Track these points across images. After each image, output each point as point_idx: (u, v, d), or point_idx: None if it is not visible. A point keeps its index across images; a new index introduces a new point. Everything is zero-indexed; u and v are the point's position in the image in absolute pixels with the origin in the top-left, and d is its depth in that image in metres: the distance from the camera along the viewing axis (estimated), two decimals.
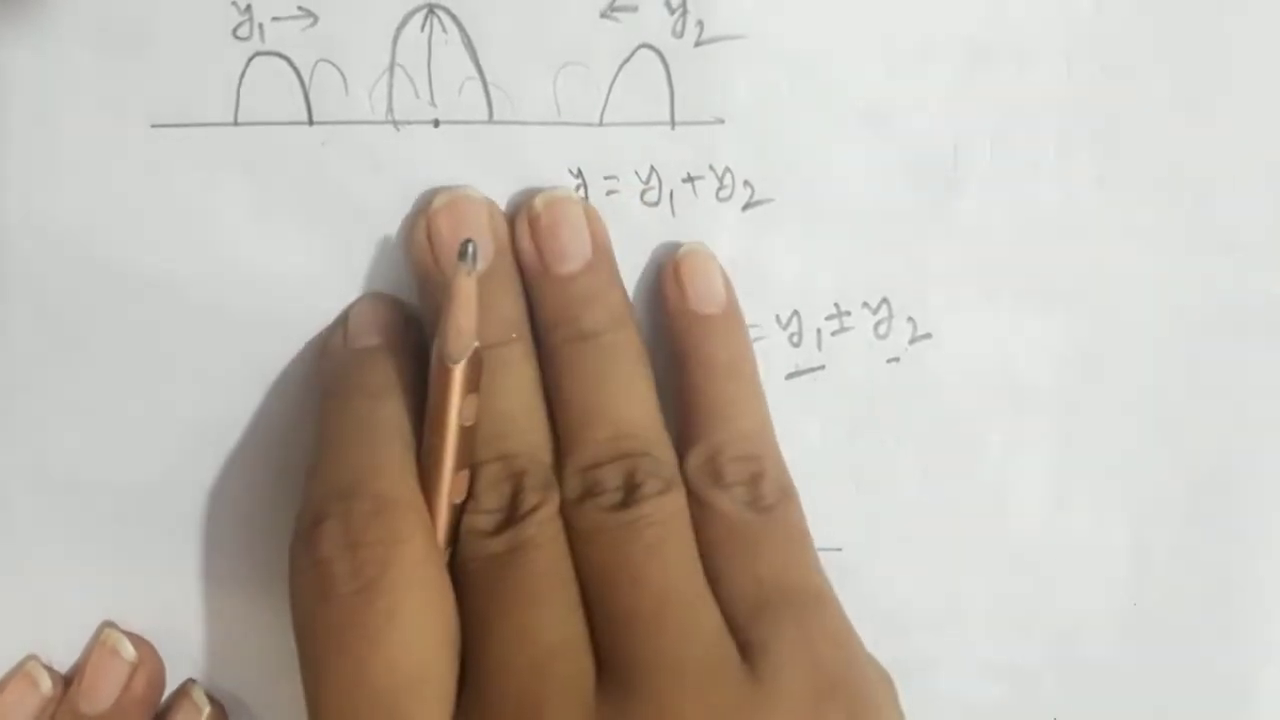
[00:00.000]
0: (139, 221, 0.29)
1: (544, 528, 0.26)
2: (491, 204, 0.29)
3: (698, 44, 0.29)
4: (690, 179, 0.30)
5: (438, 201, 0.29)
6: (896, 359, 0.31)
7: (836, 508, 0.32)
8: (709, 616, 0.26)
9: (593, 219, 0.29)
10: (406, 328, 0.30)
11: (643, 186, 0.30)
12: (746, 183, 0.30)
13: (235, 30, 0.29)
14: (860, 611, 0.27)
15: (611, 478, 0.27)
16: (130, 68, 0.28)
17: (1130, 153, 0.30)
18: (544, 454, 0.28)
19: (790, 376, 0.31)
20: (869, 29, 0.29)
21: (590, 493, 0.27)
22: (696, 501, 0.27)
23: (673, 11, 0.29)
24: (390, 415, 0.28)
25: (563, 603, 0.26)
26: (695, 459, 0.28)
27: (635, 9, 0.29)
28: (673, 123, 0.30)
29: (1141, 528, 0.32)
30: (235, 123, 0.29)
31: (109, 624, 0.32)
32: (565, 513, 0.27)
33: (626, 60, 0.29)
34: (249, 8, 0.28)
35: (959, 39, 0.30)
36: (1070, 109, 0.30)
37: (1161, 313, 0.31)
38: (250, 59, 0.29)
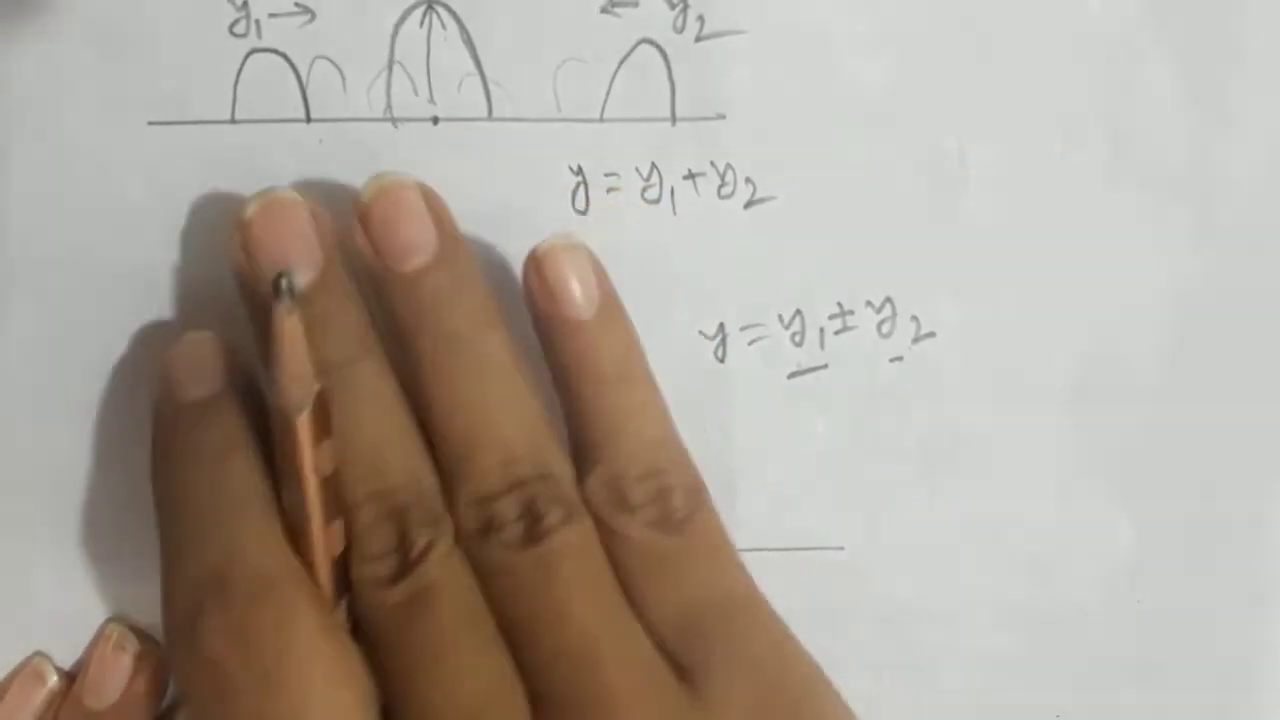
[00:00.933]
0: (136, 218, 0.29)
1: (444, 568, 0.25)
2: (310, 205, 0.26)
3: (698, 39, 0.29)
4: (692, 176, 0.30)
5: (249, 210, 0.26)
6: (900, 358, 0.31)
7: (839, 507, 0.31)
8: (640, 644, 0.25)
9: (434, 203, 0.26)
10: (234, 366, 0.27)
11: (644, 184, 0.30)
12: (748, 179, 0.30)
13: (232, 27, 0.28)
14: (863, 610, 0.27)
15: (509, 510, 0.25)
16: (127, 65, 0.28)
17: (1135, 151, 0.30)
18: (424, 480, 0.26)
19: (793, 375, 0.31)
20: (872, 23, 0.29)
21: (489, 527, 0.25)
22: (605, 528, 0.26)
23: (673, 7, 0.29)
24: (243, 477, 0.25)
25: (483, 645, 0.24)
26: (596, 484, 0.26)
27: (636, 4, 0.29)
28: (674, 119, 0.29)
29: (1145, 526, 0.32)
30: (233, 120, 0.29)
31: (112, 618, 0.32)
32: (463, 544, 0.25)
33: (627, 56, 0.29)
34: (246, 4, 0.28)
35: (964, 34, 0.29)
36: (1075, 104, 0.30)
37: (1167, 311, 0.31)
38: (247, 56, 0.28)
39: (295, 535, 0.24)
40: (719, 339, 0.31)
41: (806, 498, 0.31)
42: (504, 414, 0.26)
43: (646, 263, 0.30)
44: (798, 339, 0.31)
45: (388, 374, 0.26)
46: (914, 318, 0.31)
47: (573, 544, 0.25)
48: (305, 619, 0.24)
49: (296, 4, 0.28)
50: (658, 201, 0.30)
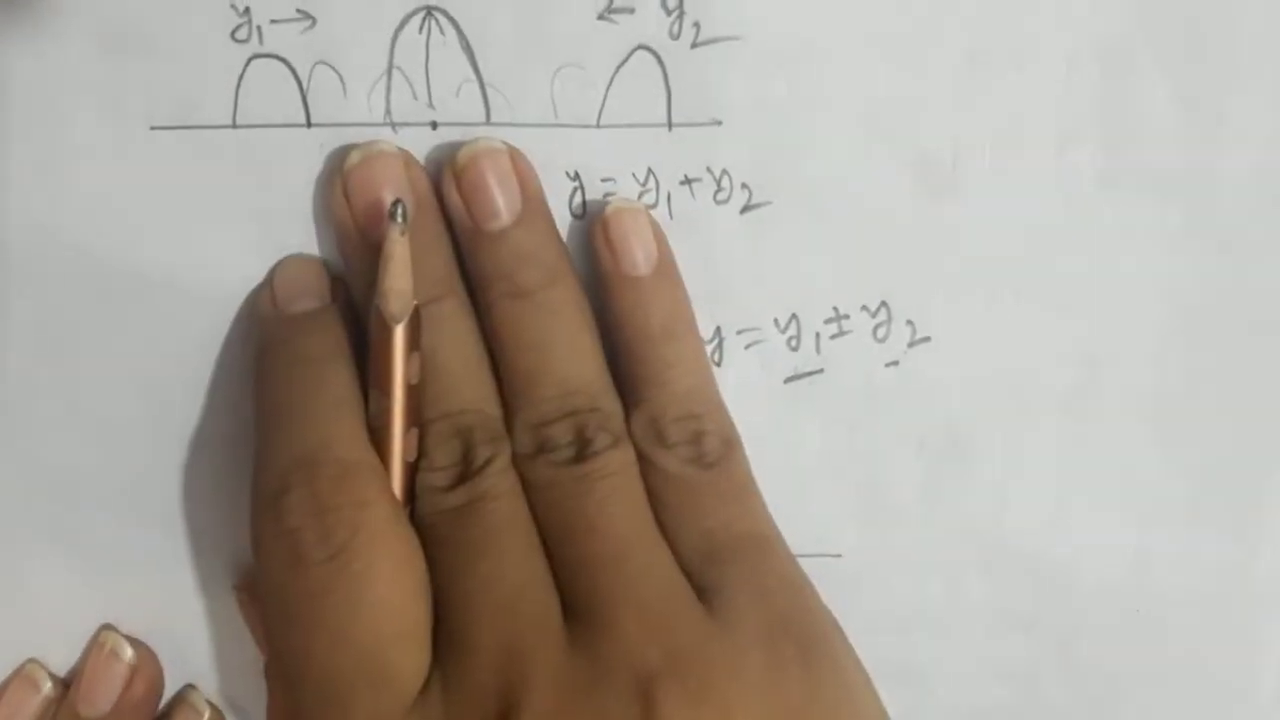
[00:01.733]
0: (138, 223, 0.29)
1: (499, 479, 0.27)
2: (407, 155, 0.29)
3: (694, 45, 0.29)
4: (688, 181, 0.30)
5: (351, 159, 0.29)
6: (895, 362, 0.31)
7: (835, 512, 0.31)
8: (664, 559, 0.27)
9: (523, 170, 0.29)
10: (336, 287, 0.30)
11: (640, 188, 0.30)
12: (744, 185, 0.30)
13: (234, 33, 0.29)
14: (860, 616, 0.27)
15: (562, 434, 0.28)
16: (129, 69, 0.29)
17: (1130, 153, 0.30)
18: (490, 406, 0.28)
19: (789, 380, 0.31)
20: (867, 29, 0.29)
21: (542, 449, 0.27)
22: (643, 460, 0.28)
23: (669, 13, 0.29)
24: (339, 380, 0.28)
25: (524, 547, 0.27)
26: (639, 421, 0.28)
27: (632, 11, 0.29)
28: (670, 124, 0.30)
29: (1142, 529, 0.32)
30: (234, 125, 0.29)
31: (108, 627, 0.32)
32: (518, 465, 0.27)
33: (624, 62, 0.29)
34: (248, 10, 0.29)
35: (958, 39, 0.29)
36: (1069, 110, 0.30)
37: (1161, 314, 0.31)
38: (249, 61, 0.29)
39: (377, 439, 0.27)
40: (715, 343, 0.31)
41: (803, 503, 0.31)
42: (563, 352, 0.28)
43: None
44: (794, 344, 0.31)
45: (467, 313, 0.29)
46: (909, 322, 0.31)
47: (613, 466, 0.27)
48: (379, 507, 0.26)
49: (298, 10, 0.29)
50: (654, 207, 0.30)
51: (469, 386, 0.28)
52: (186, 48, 0.29)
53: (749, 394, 0.31)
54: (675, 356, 0.29)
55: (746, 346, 0.31)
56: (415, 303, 0.27)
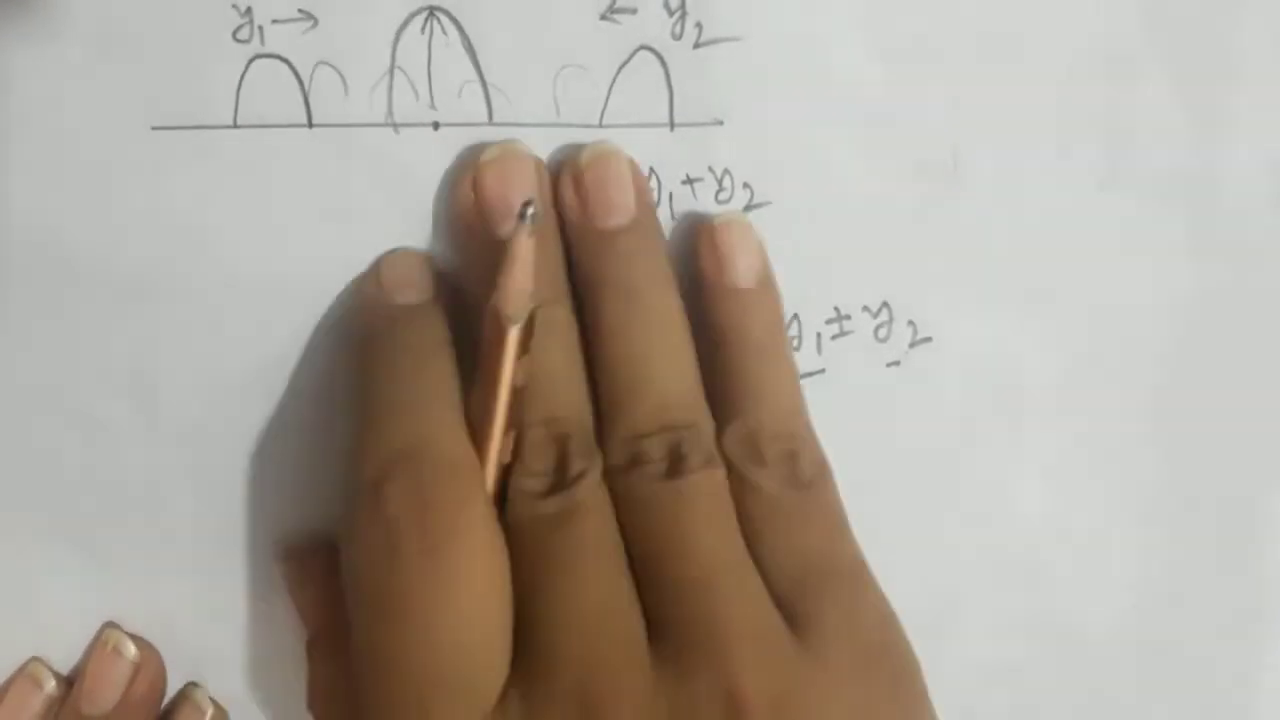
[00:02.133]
0: (138, 223, 0.29)
1: (592, 494, 0.27)
2: (538, 160, 0.29)
3: (697, 46, 0.29)
4: (689, 181, 0.30)
5: (486, 156, 0.29)
6: (897, 362, 0.31)
7: None
8: (755, 586, 0.26)
9: (637, 176, 0.29)
10: (440, 284, 0.30)
11: None
12: (746, 185, 0.30)
13: (235, 33, 0.29)
14: None
15: (657, 448, 0.27)
16: (130, 70, 0.28)
17: (1131, 153, 0.30)
18: (587, 417, 0.28)
19: None
20: (869, 30, 0.29)
21: (636, 462, 0.27)
22: (736, 478, 0.27)
23: (672, 13, 0.29)
24: (443, 375, 0.28)
25: (613, 567, 0.26)
26: (733, 437, 0.28)
27: (634, 11, 0.29)
28: (672, 124, 0.30)
29: (1142, 529, 0.32)
30: (235, 125, 0.29)
31: (110, 624, 0.32)
32: (609, 478, 0.27)
33: (626, 62, 0.29)
34: (249, 10, 0.28)
35: (959, 39, 0.30)
36: (1071, 110, 0.30)
37: (1162, 314, 0.31)
38: (250, 61, 0.29)
39: (475, 438, 0.27)
40: None
41: None
42: (664, 366, 0.28)
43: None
44: (795, 344, 0.31)
45: (573, 320, 0.29)
46: (911, 322, 0.31)
47: (706, 485, 0.27)
48: (478, 507, 0.26)
49: (299, 10, 0.29)
50: (656, 206, 0.30)
51: (569, 395, 0.28)
52: (187, 48, 0.28)
53: None
54: (774, 373, 0.29)
55: None
56: (533, 306, 0.26)
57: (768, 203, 0.30)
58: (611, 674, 0.25)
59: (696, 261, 0.29)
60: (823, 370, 0.31)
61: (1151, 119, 0.30)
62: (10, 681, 0.31)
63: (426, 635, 0.25)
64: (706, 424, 0.28)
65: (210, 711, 0.32)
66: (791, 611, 0.26)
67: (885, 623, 0.27)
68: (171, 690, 0.32)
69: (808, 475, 0.28)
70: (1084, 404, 0.31)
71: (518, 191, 0.28)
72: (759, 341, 0.29)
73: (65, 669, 0.32)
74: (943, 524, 0.32)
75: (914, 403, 0.31)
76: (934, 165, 0.30)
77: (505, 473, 0.27)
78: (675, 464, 0.27)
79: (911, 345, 0.31)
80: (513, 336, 0.26)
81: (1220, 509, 0.32)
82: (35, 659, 0.32)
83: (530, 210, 0.26)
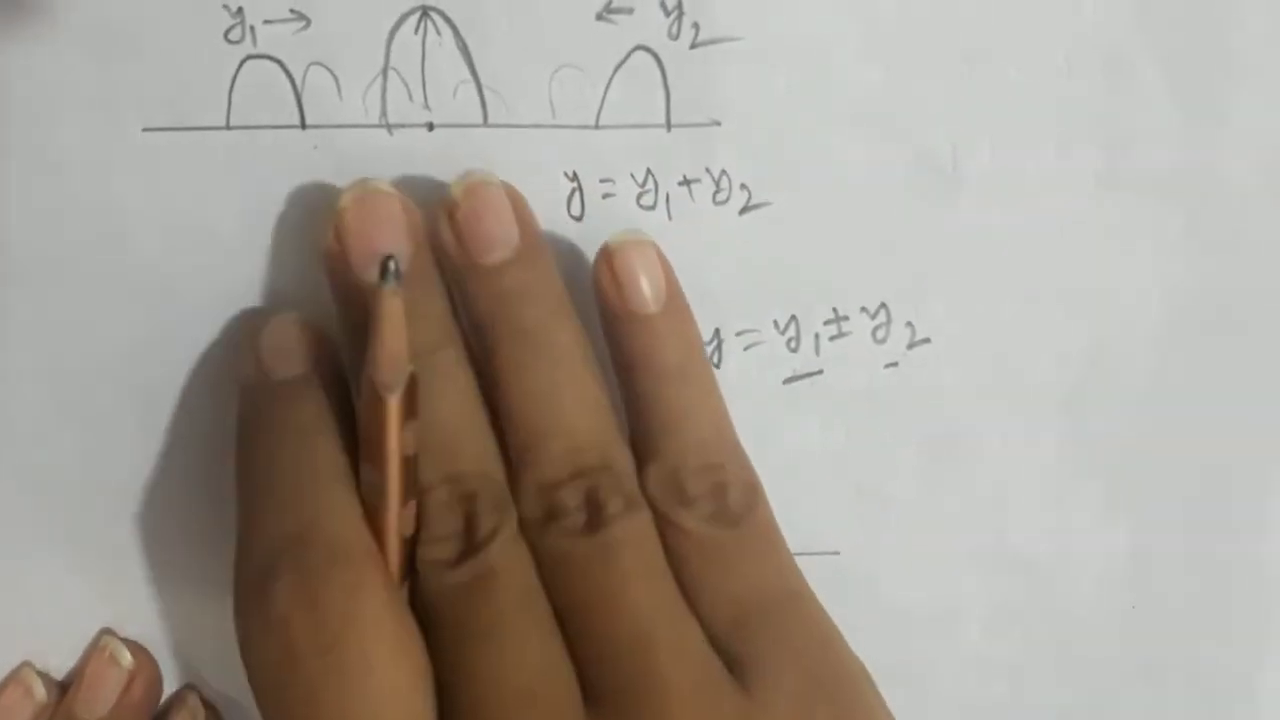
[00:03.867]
0: (131, 225, 0.29)
1: (506, 552, 0.25)
2: (402, 197, 0.27)
3: (694, 46, 0.29)
4: (687, 182, 0.30)
5: (344, 200, 0.27)
6: (895, 363, 0.31)
7: (835, 512, 0.32)
8: (692, 635, 0.25)
9: (518, 203, 0.28)
10: (325, 349, 0.28)
11: (639, 189, 0.30)
12: (743, 186, 0.30)
13: (227, 33, 0.28)
14: (859, 615, 0.27)
15: (572, 497, 0.26)
16: (122, 71, 0.28)
17: (1130, 153, 0.30)
18: (493, 468, 0.26)
19: (788, 381, 0.31)
20: (866, 30, 0.29)
21: (551, 515, 0.26)
22: (662, 519, 0.26)
23: (669, 13, 0.29)
24: (327, 454, 0.26)
25: (539, 629, 0.25)
26: (655, 476, 0.27)
27: (631, 11, 0.29)
28: (669, 125, 0.29)
29: (1141, 530, 0.32)
30: (227, 126, 0.29)
31: (107, 630, 0.32)
32: (525, 532, 0.26)
33: (622, 62, 0.29)
34: (241, 11, 0.28)
35: (957, 39, 0.29)
36: (1069, 110, 0.30)
37: (1161, 315, 0.31)
38: (242, 62, 0.28)
39: (370, 514, 0.25)
40: (714, 345, 0.31)
41: (802, 503, 0.31)
42: (571, 404, 0.26)
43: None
44: (793, 345, 0.31)
45: (465, 363, 0.27)
46: (909, 323, 0.31)
47: (631, 534, 0.25)
48: (374, 592, 0.24)
49: (292, 10, 0.28)
50: (653, 208, 0.30)
51: (470, 447, 0.26)
52: (179, 49, 0.28)
53: (748, 395, 0.30)
54: (691, 401, 0.27)
55: (746, 348, 0.31)
56: (411, 369, 0.24)
57: (766, 203, 0.30)
58: None
59: (597, 291, 0.28)
60: (820, 371, 0.31)
61: (1149, 117, 0.30)
62: (2, 685, 0.31)
63: None
64: (623, 462, 0.27)
65: (203, 715, 0.32)
66: (730, 654, 0.25)
67: (825, 646, 0.26)
68: (166, 693, 0.32)
69: (737, 508, 0.27)
70: (1083, 403, 0.31)
71: (382, 235, 0.26)
72: (674, 366, 0.27)
73: (60, 674, 0.32)
74: (941, 525, 0.32)
75: (912, 404, 0.31)
76: (932, 165, 0.30)
77: (413, 545, 0.26)
78: (594, 513, 0.25)
79: (910, 346, 0.31)
80: (393, 406, 0.24)
81: (1220, 508, 0.32)
82: (26, 664, 0.31)
83: (392, 267, 0.24)
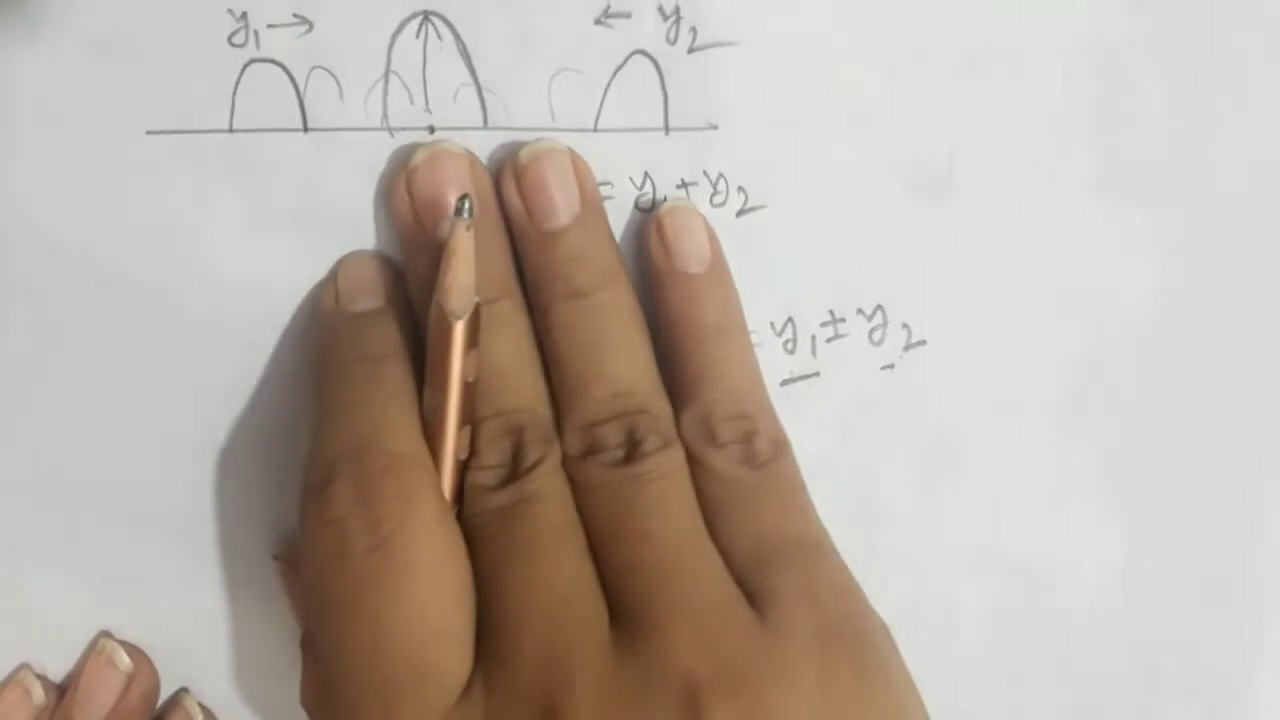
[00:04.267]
0: (134, 228, 0.29)
1: (548, 481, 0.27)
2: (472, 156, 0.29)
3: (691, 50, 0.29)
4: (684, 185, 0.30)
5: (417, 157, 0.29)
6: (891, 366, 0.31)
7: (830, 514, 0.31)
8: (714, 564, 0.26)
9: (581, 171, 0.29)
10: (397, 286, 0.30)
11: (637, 192, 0.30)
12: (740, 189, 0.30)
13: (230, 37, 0.29)
14: None
15: (612, 435, 0.27)
16: (126, 74, 0.28)
17: (1126, 157, 0.30)
18: (542, 408, 0.28)
19: (785, 383, 0.31)
20: (863, 34, 0.30)
21: (592, 450, 0.27)
22: (693, 460, 0.27)
23: (666, 18, 0.29)
24: (395, 377, 0.28)
25: (572, 552, 0.26)
26: (689, 420, 0.28)
27: (629, 16, 0.29)
28: (666, 129, 0.30)
29: (1136, 532, 0.32)
30: (230, 130, 0.29)
31: (105, 633, 0.31)
32: (567, 467, 0.27)
33: (620, 66, 0.29)
34: (244, 15, 0.28)
35: (953, 44, 0.30)
36: (1066, 113, 0.30)
37: (1157, 318, 0.31)
38: (245, 66, 0.29)
39: (429, 434, 0.27)
40: None
41: None
42: (616, 355, 0.28)
43: (640, 271, 0.30)
44: (790, 346, 0.31)
45: (523, 313, 0.29)
46: (905, 325, 0.31)
47: (663, 468, 0.27)
48: (426, 499, 0.26)
49: (295, 15, 0.29)
50: (651, 209, 0.30)
51: (522, 386, 0.28)
52: (182, 52, 0.28)
53: None
54: (726, 354, 0.29)
55: None
56: (477, 300, 0.26)
57: (762, 206, 0.30)
58: (571, 661, 0.25)
59: (646, 251, 0.30)
60: (817, 373, 0.31)
61: (1146, 122, 0.30)
62: (0, 688, 0.31)
63: (382, 630, 0.25)
64: (663, 409, 0.28)
65: (200, 718, 0.32)
66: (750, 588, 0.26)
67: (845, 593, 0.27)
68: (163, 696, 0.32)
69: (764, 453, 0.28)
70: (1079, 405, 0.31)
71: (452, 190, 0.28)
72: (711, 324, 0.29)
73: (58, 677, 0.32)
74: (938, 526, 0.32)
75: (908, 406, 0.31)
76: (929, 168, 0.30)
77: (464, 469, 0.27)
78: (632, 449, 0.27)
79: (906, 348, 0.31)
80: (458, 331, 0.26)
81: (1218, 509, 0.32)
82: (25, 666, 0.31)
83: (466, 205, 0.26)
